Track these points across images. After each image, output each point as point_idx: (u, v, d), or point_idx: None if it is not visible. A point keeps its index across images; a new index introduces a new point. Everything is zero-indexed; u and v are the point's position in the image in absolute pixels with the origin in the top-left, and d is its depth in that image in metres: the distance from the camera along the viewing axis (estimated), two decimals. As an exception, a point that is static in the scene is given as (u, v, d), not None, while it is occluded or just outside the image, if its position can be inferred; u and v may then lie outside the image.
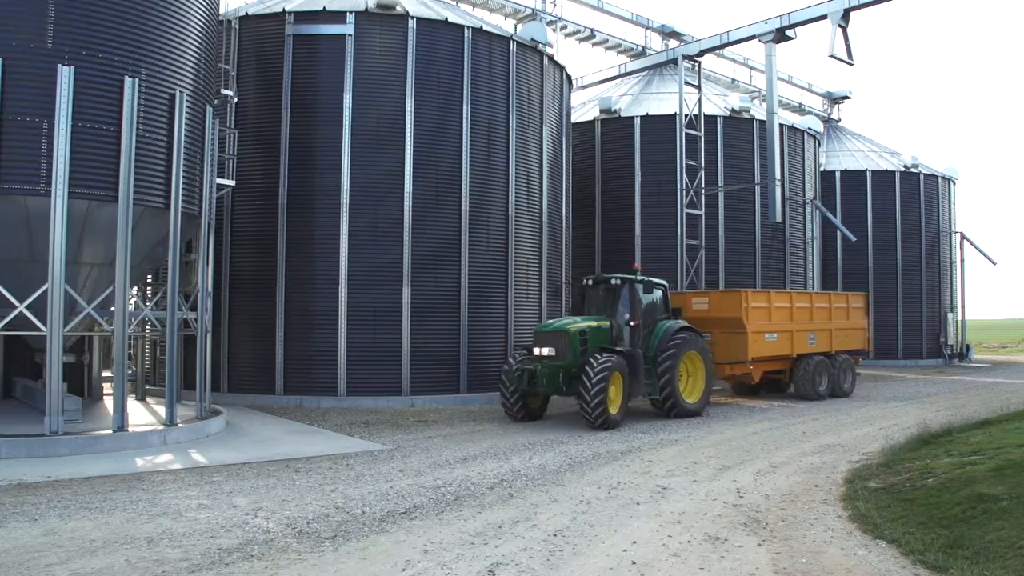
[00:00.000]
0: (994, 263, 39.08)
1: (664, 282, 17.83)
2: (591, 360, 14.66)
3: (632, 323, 16.19)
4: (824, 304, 22.03)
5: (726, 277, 26.13)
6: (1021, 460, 9.06)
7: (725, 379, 20.26)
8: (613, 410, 14.81)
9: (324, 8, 18.52)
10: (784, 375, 21.18)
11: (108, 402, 15.14)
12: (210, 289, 15.75)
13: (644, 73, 30.25)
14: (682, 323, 17.16)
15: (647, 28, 30.37)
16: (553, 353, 15.26)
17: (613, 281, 16.67)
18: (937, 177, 37.13)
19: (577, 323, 15.75)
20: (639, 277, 16.76)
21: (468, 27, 19.35)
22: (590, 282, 17.20)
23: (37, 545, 7.27)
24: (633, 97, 28.73)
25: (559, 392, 15.33)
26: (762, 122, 26.37)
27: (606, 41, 29.77)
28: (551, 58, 21.91)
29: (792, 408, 18.96)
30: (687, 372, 17.05)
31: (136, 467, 11.01)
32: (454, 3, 23.57)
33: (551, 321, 16.80)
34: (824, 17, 23.33)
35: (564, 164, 22.77)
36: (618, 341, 16.09)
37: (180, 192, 13.62)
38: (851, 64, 23.28)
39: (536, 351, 15.52)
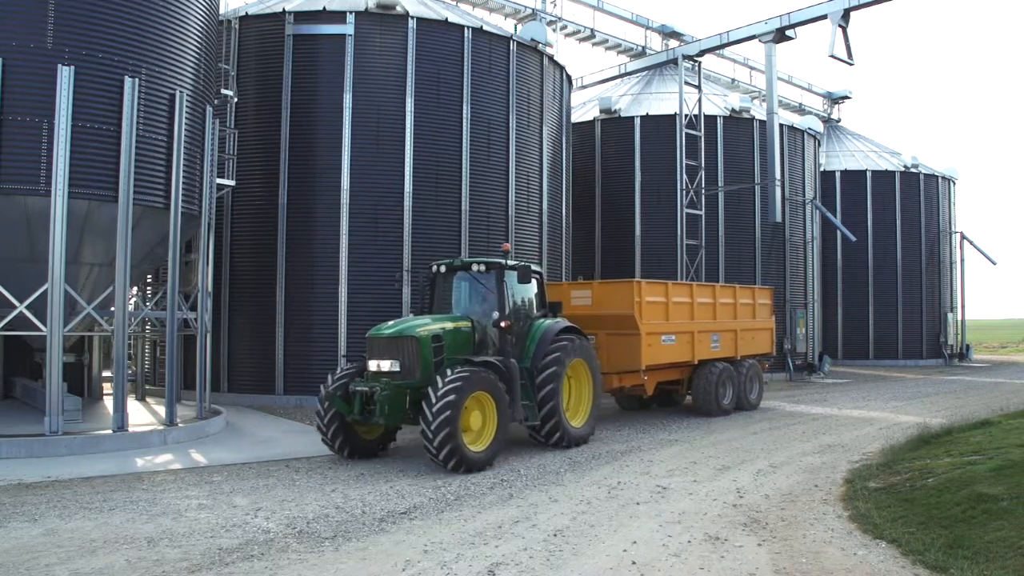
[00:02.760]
0: (994, 263, 39.12)
1: (541, 270, 14.15)
2: (439, 376, 10.70)
3: (502, 324, 12.01)
4: (728, 299, 18.43)
5: (726, 277, 26.10)
6: (1021, 460, 9.06)
7: (611, 392, 16.36)
8: (478, 445, 10.86)
9: (324, 8, 18.52)
10: (680, 386, 17.43)
11: (108, 402, 15.13)
12: (210, 289, 15.77)
13: (644, 73, 30.25)
14: (564, 322, 13.19)
15: (647, 28, 30.37)
16: (396, 368, 11.15)
17: (476, 268, 12.59)
18: (937, 177, 37.13)
19: (428, 325, 11.61)
20: (511, 262, 12.58)
21: (468, 27, 19.35)
22: (442, 269, 13.05)
23: (37, 545, 7.27)
24: (633, 97, 28.73)
25: (405, 422, 11.41)
26: (762, 122, 26.37)
27: (606, 41, 29.77)
28: (551, 58, 21.91)
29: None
30: (571, 387, 13.28)
31: (136, 467, 11.01)
32: (454, 3, 23.57)
33: (391, 323, 12.00)
34: (824, 17, 23.33)
35: (564, 164, 22.77)
36: (482, 348, 12.13)
37: (180, 192, 13.63)
38: (851, 64, 23.29)
39: (372, 365, 11.40)
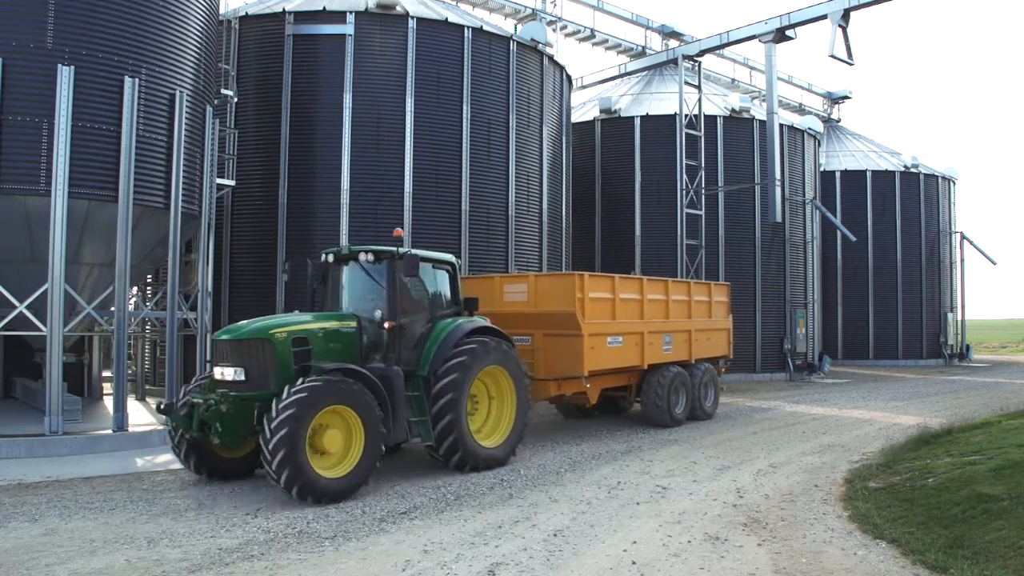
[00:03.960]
0: (994, 263, 39.13)
1: (451, 258, 11.89)
2: (285, 390, 8.86)
3: (386, 324, 10.31)
4: (682, 296, 16.54)
5: (726, 277, 26.10)
6: (1021, 460, 9.07)
7: (551, 400, 14.80)
8: (338, 470, 9.08)
9: (324, 8, 18.52)
10: (628, 392, 15.62)
11: (108, 402, 15.13)
12: (210, 289, 15.77)
13: (644, 73, 30.26)
14: (479, 322, 11.48)
15: (647, 28, 30.38)
16: (240, 377, 9.39)
17: (364, 257, 10.65)
18: (937, 177, 37.14)
19: (291, 324, 9.91)
20: (404, 250, 10.61)
21: (468, 27, 19.35)
22: (330, 258, 11.20)
23: (37, 545, 7.27)
24: (633, 97, 28.73)
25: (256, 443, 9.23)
26: (762, 122, 26.38)
27: (606, 41, 29.77)
28: (551, 58, 21.91)
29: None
30: (487, 399, 11.50)
31: (136, 467, 11.01)
32: (454, 3, 23.57)
33: (244, 322, 10.12)
34: (824, 17, 23.33)
35: (564, 164, 22.77)
36: (371, 353, 10.44)
37: (180, 192, 13.63)
38: (851, 64, 23.30)
39: (216, 373, 9.64)
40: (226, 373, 9.47)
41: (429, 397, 10.42)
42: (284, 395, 8.73)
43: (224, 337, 9.69)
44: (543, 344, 13.50)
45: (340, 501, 8.88)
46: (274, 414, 8.59)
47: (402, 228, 17.82)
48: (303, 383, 8.85)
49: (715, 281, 19.57)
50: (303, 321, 10.09)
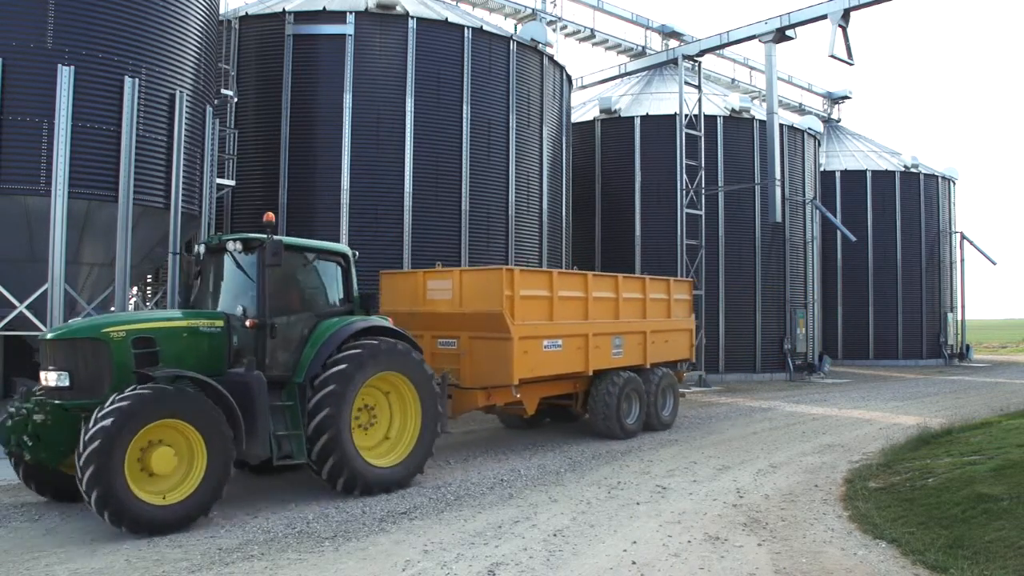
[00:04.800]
0: (994, 263, 39.13)
1: (343, 249, 10.47)
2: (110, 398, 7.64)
3: (248, 322, 9.00)
4: (635, 294, 14.90)
5: (726, 277, 26.12)
6: (1021, 460, 9.07)
7: (482, 410, 13.07)
8: (170, 496, 7.79)
9: (324, 8, 18.52)
10: (575, 401, 14.06)
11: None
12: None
13: (644, 73, 30.25)
14: (373, 321, 9.97)
15: (647, 28, 30.37)
16: (64, 383, 8.10)
17: (231, 246, 9.53)
18: (937, 177, 37.14)
19: (136, 322, 8.70)
20: (276, 238, 9.02)
21: (468, 27, 19.35)
22: (202, 250, 9.91)
23: (37, 545, 7.27)
24: (633, 97, 28.73)
25: (70, 457, 7.88)
26: (762, 122, 26.37)
27: (606, 41, 29.77)
28: (551, 58, 21.91)
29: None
30: (388, 412, 9.95)
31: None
32: (454, 3, 23.57)
33: (76, 321, 9.29)
34: (824, 17, 23.32)
35: (564, 164, 22.77)
36: (241, 357, 8.98)
37: (180, 192, 13.63)
38: (851, 64, 23.28)
39: (41, 378, 8.37)
40: (49, 378, 8.16)
41: (304, 410, 9.01)
42: (105, 404, 7.53)
43: (49, 336, 8.41)
44: (470, 348, 11.92)
45: (168, 533, 7.58)
46: (90, 425, 7.41)
47: (403, 229, 17.84)
48: (130, 391, 7.62)
49: (675, 277, 17.88)
50: (150, 319, 9.00)
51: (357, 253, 10.72)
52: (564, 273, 13.62)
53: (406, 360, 9.83)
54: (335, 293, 10.18)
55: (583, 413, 14.26)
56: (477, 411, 13.01)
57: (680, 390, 16.10)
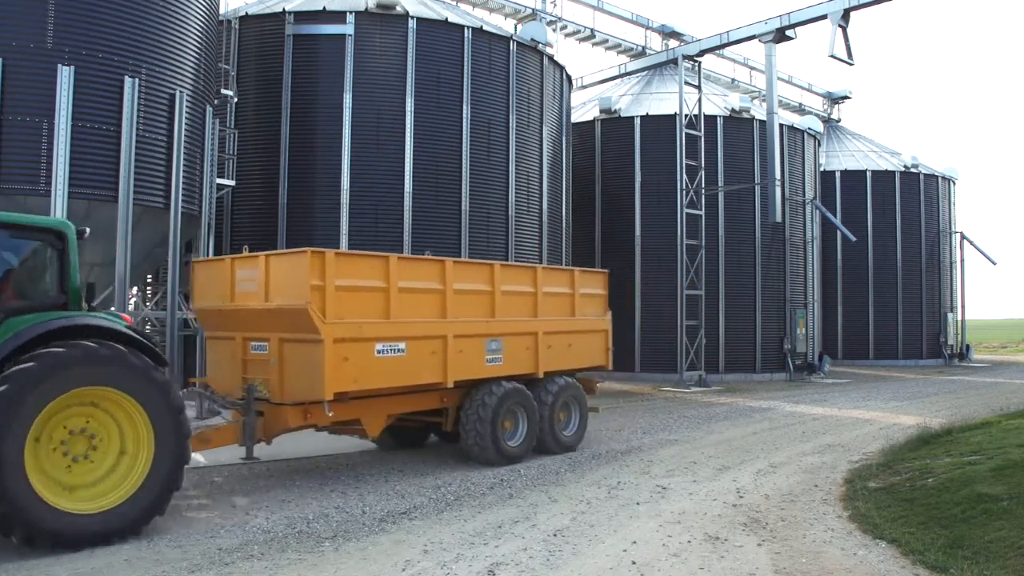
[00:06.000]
0: (994, 263, 39.15)
1: (60, 224, 8.00)
2: None
3: None
4: (522, 287, 12.17)
5: (726, 277, 26.11)
6: (1021, 460, 9.07)
7: (297, 428, 10.06)
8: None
9: (324, 8, 18.52)
10: (444, 417, 11.40)
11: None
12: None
13: (644, 73, 30.26)
14: (81, 319, 7.51)
15: (647, 28, 30.38)
16: None
17: None
18: (937, 177, 37.15)
19: None
20: None
21: (468, 27, 19.36)
22: None
23: (37, 545, 7.26)
24: (633, 97, 28.74)
25: None
26: (762, 122, 26.37)
27: (606, 41, 29.78)
28: (551, 58, 21.92)
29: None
30: (119, 439, 7.50)
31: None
32: (454, 3, 23.57)
33: None
34: (824, 17, 23.32)
35: (564, 164, 22.78)
36: None
37: (180, 192, 13.65)
38: (851, 64, 23.29)
39: None
40: None
41: None
42: None
43: None
44: (280, 354, 9.59)
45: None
46: None
47: (403, 229, 17.83)
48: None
49: (583, 268, 15.00)
50: None
51: (87, 230, 8.35)
52: (408, 259, 11.20)
53: (119, 373, 7.33)
54: (46, 282, 7.84)
55: (455, 433, 11.47)
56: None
57: (592, 404, 13.40)
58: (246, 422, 9.26)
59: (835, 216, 31.81)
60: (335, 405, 9.53)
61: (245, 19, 18.85)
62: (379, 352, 9.89)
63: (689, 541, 7.46)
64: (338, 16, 18.38)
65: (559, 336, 12.70)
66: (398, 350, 10.13)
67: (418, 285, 10.56)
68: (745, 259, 26.58)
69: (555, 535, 7.63)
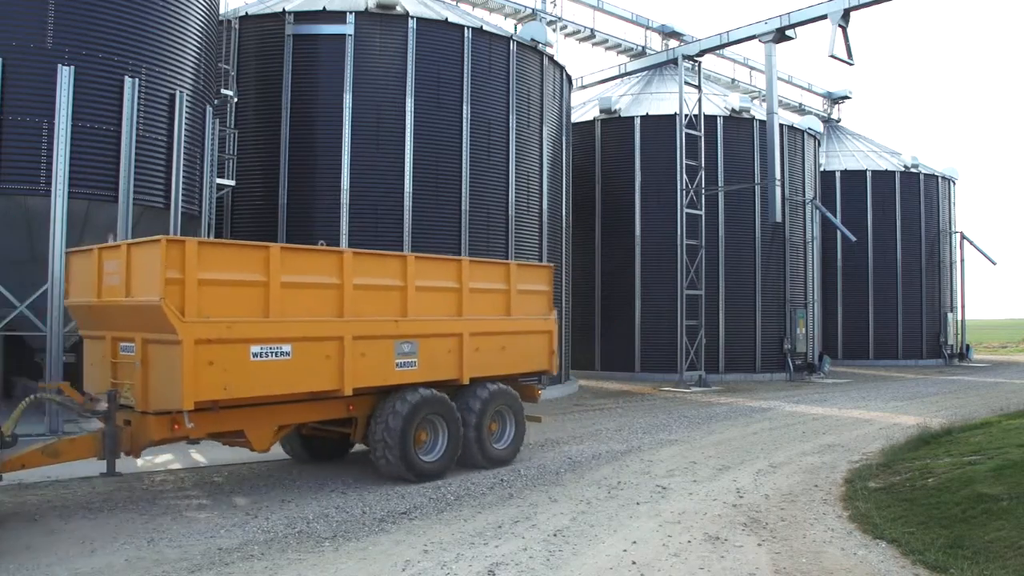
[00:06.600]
0: (994, 263, 39.15)
1: None
2: None
3: None
4: (443, 282, 10.93)
5: (726, 277, 26.10)
6: (1021, 460, 9.07)
7: (187, 440, 9.44)
8: None
9: (324, 8, 18.52)
10: (354, 428, 10.28)
11: (108, 402, 15.02)
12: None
13: (644, 73, 30.26)
14: None
15: (647, 28, 30.39)
16: None
17: None
18: (937, 177, 37.16)
19: None
20: None
21: (468, 27, 19.36)
22: None
23: (37, 545, 7.27)
24: (633, 97, 28.74)
25: None
26: (762, 122, 26.37)
27: (606, 41, 29.79)
28: (551, 58, 21.91)
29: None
30: None
31: (136, 467, 11.00)
32: (454, 3, 23.57)
33: None
34: (824, 17, 23.32)
35: (564, 164, 22.77)
36: None
37: (180, 192, 13.65)
38: (851, 64, 23.28)
39: None
40: None
41: None
42: None
43: None
44: (144, 356, 8.43)
45: None
46: None
47: (403, 229, 17.83)
48: None
49: (523, 261, 13.18)
50: None
51: None
52: (295, 250, 9.61)
53: None
54: None
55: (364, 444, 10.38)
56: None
57: (535, 413, 12.31)
58: (106, 432, 8.28)
59: (835, 216, 31.81)
60: (205, 416, 8.41)
61: (245, 19, 18.85)
62: (256, 355, 8.65)
63: (689, 541, 7.46)
64: (338, 16, 18.38)
65: (490, 338, 11.34)
66: (282, 353, 8.89)
67: (308, 280, 9.30)
68: (745, 259, 26.58)
69: (555, 535, 7.63)
